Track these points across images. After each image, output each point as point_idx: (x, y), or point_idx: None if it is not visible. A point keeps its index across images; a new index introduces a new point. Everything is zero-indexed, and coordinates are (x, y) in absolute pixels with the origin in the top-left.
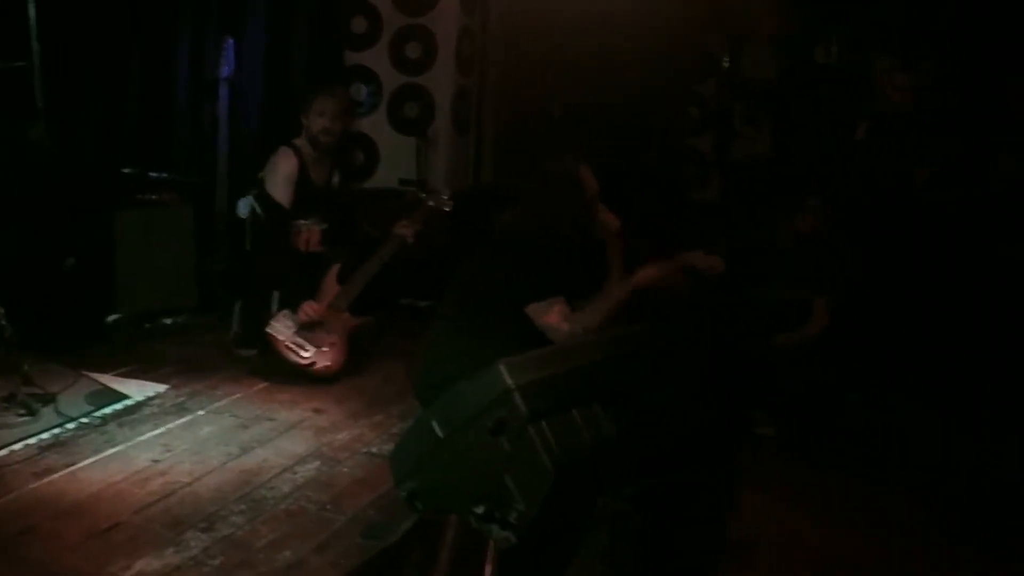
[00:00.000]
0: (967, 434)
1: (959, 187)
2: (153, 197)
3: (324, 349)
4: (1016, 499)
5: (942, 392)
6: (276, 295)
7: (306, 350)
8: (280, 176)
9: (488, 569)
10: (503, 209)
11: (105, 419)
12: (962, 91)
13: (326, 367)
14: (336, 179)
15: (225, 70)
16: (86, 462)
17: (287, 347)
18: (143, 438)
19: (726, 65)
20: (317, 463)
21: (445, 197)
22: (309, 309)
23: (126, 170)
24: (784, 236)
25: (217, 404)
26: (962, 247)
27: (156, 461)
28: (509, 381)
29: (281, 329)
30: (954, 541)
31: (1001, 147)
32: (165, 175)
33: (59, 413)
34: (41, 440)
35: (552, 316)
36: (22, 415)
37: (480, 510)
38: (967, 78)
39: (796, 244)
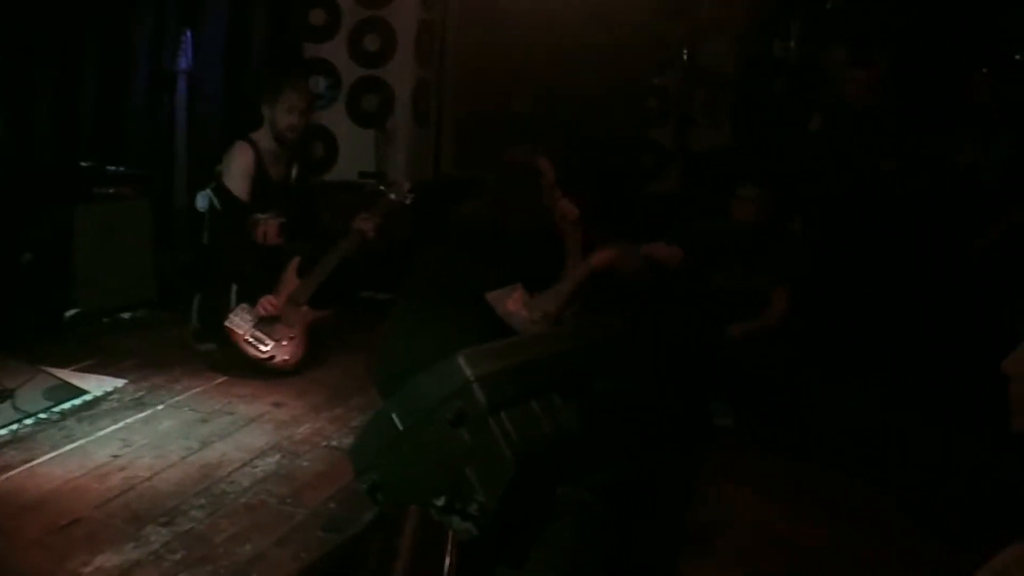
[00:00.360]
0: (932, 425)
1: (920, 179)
2: (111, 191)
3: (283, 343)
4: (980, 492)
5: (905, 382)
6: (234, 288)
7: (265, 344)
8: (236, 170)
9: (448, 560)
10: (463, 201)
11: (64, 414)
12: (917, 84)
13: (285, 360)
14: (295, 172)
15: (183, 63)
16: (45, 458)
17: (246, 341)
18: (102, 433)
19: (686, 57)
20: (277, 457)
21: (405, 189)
22: (267, 303)
23: (83, 164)
24: (730, 225)
25: (176, 398)
26: (922, 238)
27: (115, 456)
28: (468, 372)
29: (240, 323)
30: (917, 528)
31: (956, 139)
32: (123, 169)
33: (17, 409)
34: None
35: (512, 302)
36: None
37: (441, 502)
38: (922, 71)
39: (746, 233)
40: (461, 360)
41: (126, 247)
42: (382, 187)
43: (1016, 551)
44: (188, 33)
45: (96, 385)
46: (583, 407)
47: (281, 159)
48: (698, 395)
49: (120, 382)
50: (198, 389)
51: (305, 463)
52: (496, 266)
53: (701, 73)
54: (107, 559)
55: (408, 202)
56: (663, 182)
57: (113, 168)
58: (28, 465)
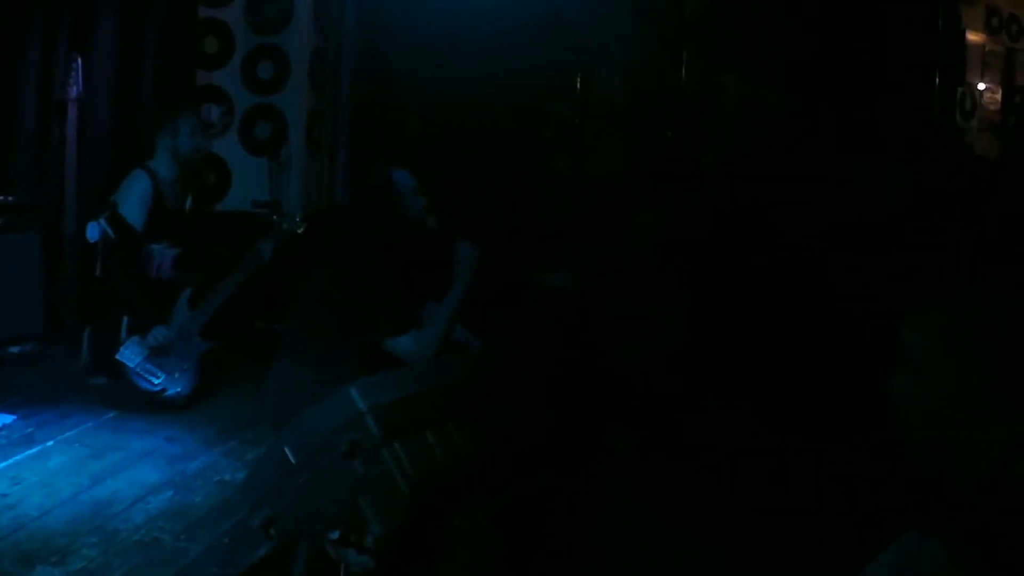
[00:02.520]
0: (822, 446)
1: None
2: None
3: (175, 375)
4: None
5: (794, 405)
6: (125, 321)
7: (157, 377)
8: (135, 199)
9: None
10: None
11: None
12: (807, 109)
13: (177, 393)
14: (190, 202)
15: (74, 90)
16: None
17: (138, 374)
18: None
19: (579, 86)
20: (170, 492)
21: (298, 219)
22: (159, 334)
23: None
24: (625, 251)
25: (67, 434)
26: (814, 264)
27: (4, 495)
28: (361, 404)
29: (131, 356)
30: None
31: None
32: (11, 199)
33: None
34: None
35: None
36: None
37: (335, 535)
38: (812, 96)
39: (642, 257)
40: (354, 391)
41: (14, 279)
42: (275, 216)
43: (904, 542)
44: (79, 61)
45: None
46: (478, 435)
47: (177, 189)
48: (593, 419)
49: (9, 418)
50: (89, 424)
51: (198, 498)
52: (372, 306)
53: (595, 101)
54: None
55: (300, 231)
56: (558, 209)
57: (1, 198)
58: None
